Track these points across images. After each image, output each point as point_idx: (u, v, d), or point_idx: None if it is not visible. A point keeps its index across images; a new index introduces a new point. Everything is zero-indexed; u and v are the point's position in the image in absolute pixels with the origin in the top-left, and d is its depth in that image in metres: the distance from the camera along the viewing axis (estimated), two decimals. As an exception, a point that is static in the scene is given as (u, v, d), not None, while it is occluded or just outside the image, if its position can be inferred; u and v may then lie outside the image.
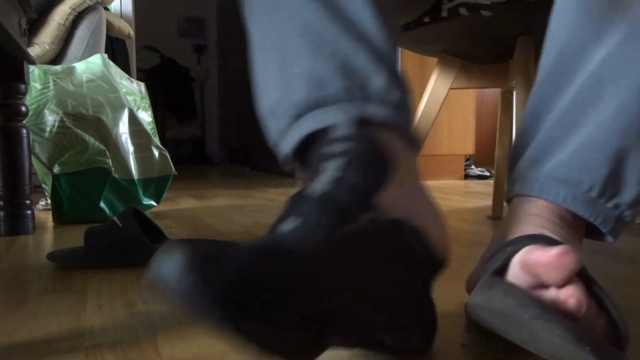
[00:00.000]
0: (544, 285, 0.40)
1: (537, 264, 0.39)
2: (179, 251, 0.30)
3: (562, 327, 0.36)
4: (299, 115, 0.47)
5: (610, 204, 0.51)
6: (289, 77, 0.48)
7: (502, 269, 0.44)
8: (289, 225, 0.37)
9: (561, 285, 0.39)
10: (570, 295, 0.38)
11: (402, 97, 0.48)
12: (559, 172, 0.51)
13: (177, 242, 0.31)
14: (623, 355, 0.40)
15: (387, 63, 0.48)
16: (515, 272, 0.42)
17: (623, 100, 0.50)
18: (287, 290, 0.32)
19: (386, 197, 0.42)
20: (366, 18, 0.48)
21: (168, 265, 0.30)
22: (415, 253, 0.42)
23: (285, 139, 0.48)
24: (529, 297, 0.38)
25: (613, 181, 0.51)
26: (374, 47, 0.48)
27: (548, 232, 0.49)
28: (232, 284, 0.30)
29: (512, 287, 0.40)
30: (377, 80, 0.47)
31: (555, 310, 0.38)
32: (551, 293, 0.40)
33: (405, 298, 0.42)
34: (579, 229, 0.52)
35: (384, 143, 0.44)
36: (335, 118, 0.45)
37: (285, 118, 0.48)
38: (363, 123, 0.45)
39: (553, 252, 0.38)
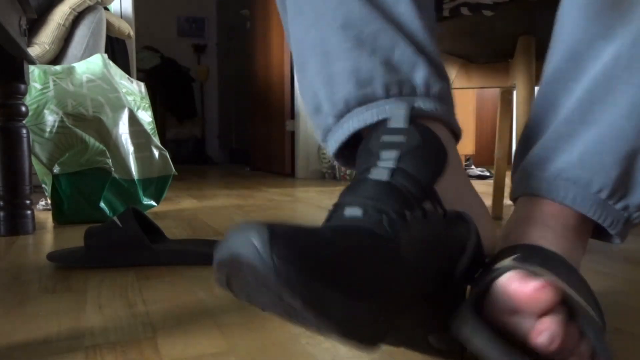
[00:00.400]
0: (523, 313, 0.40)
1: (515, 295, 0.39)
2: (257, 228, 0.30)
3: None
4: (345, 112, 0.48)
5: (619, 206, 0.50)
6: (332, 74, 0.48)
7: (486, 290, 0.44)
8: (355, 212, 0.38)
9: (540, 315, 0.38)
10: (544, 330, 0.37)
11: (444, 88, 0.49)
12: (568, 172, 0.50)
13: (250, 222, 0.31)
14: None
15: (428, 54, 0.48)
16: (496, 297, 0.41)
17: (635, 99, 0.48)
18: (372, 265, 0.33)
19: (441, 188, 0.44)
20: (404, 10, 0.48)
21: (246, 243, 0.30)
22: (468, 248, 0.43)
23: (332, 136, 0.49)
24: (493, 340, 0.38)
25: (623, 183, 0.49)
26: (414, 39, 0.48)
27: (548, 243, 0.48)
28: (315, 258, 0.30)
29: (479, 328, 0.39)
30: (420, 73, 0.47)
31: (521, 341, 0.38)
32: (528, 323, 0.39)
33: (457, 296, 0.43)
34: (584, 232, 0.52)
35: (436, 135, 0.45)
36: (381, 114, 0.46)
37: (331, 115, 0.49)
38: (411, 118, 0.45)
39: (530, 286, 0.38)
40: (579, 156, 0.50)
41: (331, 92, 0.48)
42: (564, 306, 0.40)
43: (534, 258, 0.45)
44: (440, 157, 0.44)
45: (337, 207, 0.40)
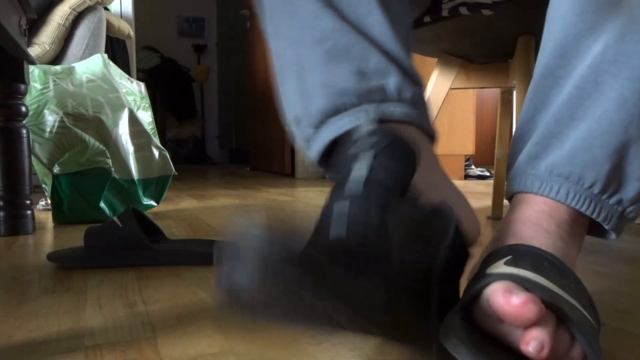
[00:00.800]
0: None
1: (499, 310, 0.39)
2: (256, 223, 0.34)
3: None
4: (320, 123, 0.50)
5: (612, 200, 0.50)
6: (308, 88, 0.50)
7: (475, 298, 0.44)
8: (343, 205, 0.40)
9: (527, 326, 0.39)
10: (531, 339, 0.38)
11: (416, 93, 0.51)
12: (559, 168, 0.50)
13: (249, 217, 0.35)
14: None
15: (400, 63, 0.50)
16: (485, 305, 0.42)
17: (623, 92, 0.49)
18: (366, 248, 0.37)
19: (418, 183, 0.45)
20: (375, 21, 0.50)
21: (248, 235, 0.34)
22: (451, 241, 0.44)
23: (310, 146, 0.52)
24: (477, 353, 0.39)
25: (615, 176, 0.50)
26: (386, 49, 0.50)
27: (542, 244, 0.48)
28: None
29: (463, 339, 0.40)
30: (392, 80, 0.49)
31: (511, 350, 0.39)
32: (517, 332, 0.39)
33: (443, 289, 0.43)
34: (578, 230, 0.52)
35: (406, 135, 0.47)
36: (355, 121, 0.47)
37: (308, 127, 0.51)
38: (382, 122, 0.48)
39: (513, 302, 0.38)
40: (570, 152, 0.50)
41: (308, 105, 0.50)
42: (553, 312, 0.40)
43: (526, 261, 0.45)
44: (411, 154, 0.46)
45: (324, 208, 0.42)
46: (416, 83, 0.51)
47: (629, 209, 0.51)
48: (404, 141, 0.45)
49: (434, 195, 0.46)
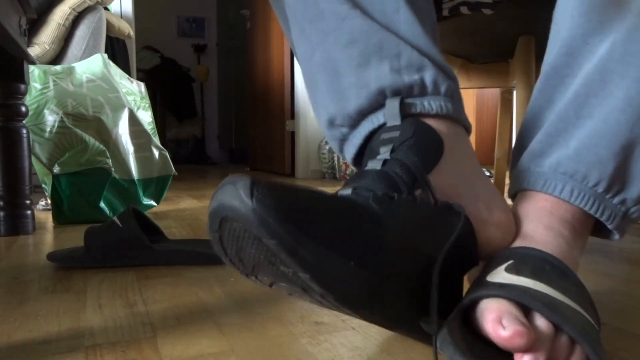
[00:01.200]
0: None
1: (490, 336, 0.39)
2: (242, 179, 0.35)
3: None
4: (358, 122, 0.50)
5: (616, 200, 0.50)
6: (342, 90, 0.50)
7: (472, 308, 0.43)
8: (346, 192, 0.42)
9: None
10: (525, 358, 0.38)
11: (452, 86, 0.50)
12: (564, 166, 0.50)
13: (236, 175, 0.35)
14: None
15: (432, 57, 0.50)
16: (479, 320, 0.41)
17: (629, 92, 0.49)
18: (346, 220, 0.37)
19: (440, 178, 0.45)
20: (403, 18, 0.50)
21: (232, 191, 0.34)
22: (455, 240, 0.44)
23: (349, 143, 0.52)
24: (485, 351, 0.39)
25: (619, 176, 0.50)
26: (417, 44, 0.49)
27: (546, 246, 0.48)
28: (290, 205, 0.35)
29: (460, 348, 0.39)
30: (428, 74, 0.49)
31: None
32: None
33: (445, 286, 0.43)
34: (582, 229, 0.52)
35: (436, 127, 0.47)
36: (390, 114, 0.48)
37: (344, 127, 0.51)
38: (422, 116, 0.48)
39: (502, 334, 0.37)
40: (575, 150, 0.50)
41: (343, 107, 0.50)
42: (551, 323, 0.40)
43: (526, 266, 0.45)
44: (434, 148, 0.46)
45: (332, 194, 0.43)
46: (450, 77, 0.51)
47: (632, 209, 0.51)
48: (428, 134, 0.46)
49: (464, 189, 0.47)
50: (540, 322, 0.40)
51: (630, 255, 0.91)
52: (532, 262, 0.45)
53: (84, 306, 0.63)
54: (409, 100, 0.48)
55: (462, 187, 0.48)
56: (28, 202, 1.16)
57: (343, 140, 0.53)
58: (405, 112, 0.48)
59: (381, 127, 0.49)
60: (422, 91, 0.48)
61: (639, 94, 0.49)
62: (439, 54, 0.51)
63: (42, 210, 1.50)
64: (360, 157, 0.52)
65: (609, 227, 0.51)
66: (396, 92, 0.48)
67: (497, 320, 0.38)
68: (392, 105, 0.47)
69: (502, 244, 0.50)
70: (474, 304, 0.42)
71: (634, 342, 0.51)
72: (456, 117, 0.50)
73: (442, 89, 0.49)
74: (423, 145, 0.45)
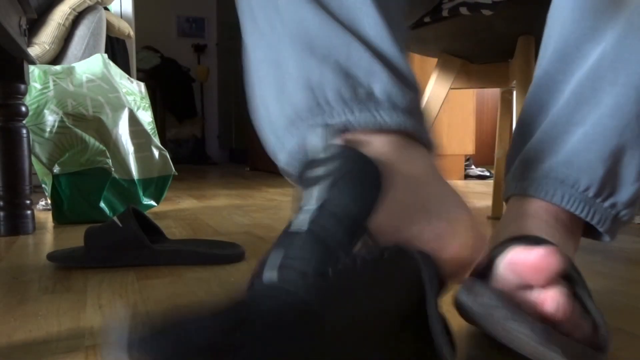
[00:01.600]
0: (529, 286, 0.40)
1: (521, 265, 0.39)
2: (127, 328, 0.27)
3: (528, 327, 0.36)
4: (294, 124, 0.43)
5: (607, 204, 0.51)
6: (283, 83, 0.45)
7: (487, 270, 0.43)
8: (272, 276, 0.33)
9: (544, 286, 0.39)
10: (548, 298, 0.38)
11: (409, 98, 0.43)
12: (555, 171, 0.51)
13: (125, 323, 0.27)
14: (599, 356, 0.38)
15: (391, 63, 0.44)
16: (500, 273, 0.41)
17: (619, 99, 0.49)
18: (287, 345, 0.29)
19: (385, 216, 0.38)
20: (366, 18, 0.44)
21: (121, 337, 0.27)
22: (420, 277, 0.37)
23: (282, 150, 0.45)
24: (501, 299, 0.38)
25: (609, 180, 0.50)
26: (376, 47, 0.44)
27: (542, 233, 0.48)
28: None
29: (485, 289, 0.39)
30: (379, 83, 0.42)
31: (528, 312, 0.38)
32: (534, 294, 0.39)
33: (407, 328, 0.38)
34: (575, 229, 0.52)
35: (379, 147, 0.41)
36: (333, 119, 0.41)
37: (281, 128, 0.45)
38: (376, 131, 0.41)
39: (536, 253, 0.38)
40: (565, 156, 0.51)
41: (282, 102, 0.45)
42: (567, 282, 0.41)
43: (528, 242, 0.45)
44: (372, 183, 0.37)
45: (261, 266, 0.35)
46: (409, 85, 0.44)
47: (622, 212, 0.52)
48: (368, 165, 0.38)
49: (417, 216, 0.40)
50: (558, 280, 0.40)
51: (630, 255, 0.91)
52: (534, 241, 0.46)
53: (84, 306, 0.63)
54: (345, 118, 0.41)
55: (416, 215, 0.40)
56: (28, 202, 1.16)
57: (277, 146, 0.46)
58: (336, 137, 0.40)
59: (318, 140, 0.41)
60: (369, 98, 0.41)
61: (629, 100, 0.49)
62: (401, 58, 0.45)
63: (42, 210, 1.50)
64: (294, 166, 0.45)
65: (600, 230, 0.52)
66: (338, 93, 0.42)
67: (527, 248, 0.38)
68: (315, 132, 0.39)
69: (473, 249, 0.43)
70: (489, 268, 0.41)
71: (634, 342, 0.51)
72: (410, 131, 0.42)
73: (397, 100, 0.42)
74: (358, 182, 0.37)
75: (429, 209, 0.41)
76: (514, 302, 0.38)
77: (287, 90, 0.44)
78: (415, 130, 0.43)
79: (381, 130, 0.41)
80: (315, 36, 0.44)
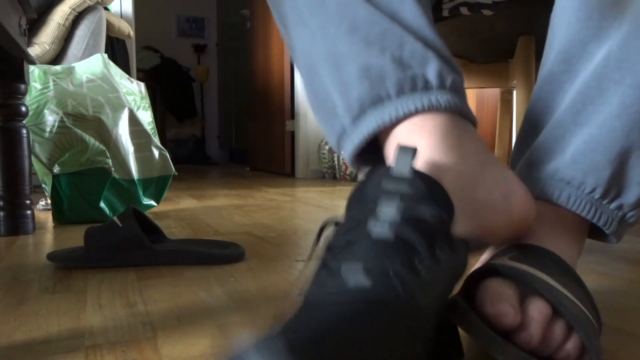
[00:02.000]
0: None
1: (485, 312, 0.41)
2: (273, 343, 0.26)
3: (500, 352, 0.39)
4: (360, 114, 0.47)
5: (613, 205, 0.51)
6: (344, 77, 0.47)
7: (480, 279, 0.45)
8: (361, 280, 0.34)
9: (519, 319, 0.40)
10: (523, 330, 0.40)
11: (457, 80, 0.48)
12: (561, 172, 0.51)
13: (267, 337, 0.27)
14: None
15: (437, 49, 0.48)
16: (480, 299, 0.43)
17: (625, 99, 0.49)
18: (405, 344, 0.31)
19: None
20: (408, 8, 0.48)
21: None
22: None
23: (348, 139, 0.48)
24: (479, 328, 0.40)
25: (616, 182, 0.50)
26: (421, 35, 0.47)
27: (546, 239, 0.49)
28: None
29: (468, 313, 0.41)
30: (432, 67, 0.46)
31: (503, 337, 0.40)
32: (509, 323, 0.41)
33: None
34: (580, 231, 0.52)
35: (441, 123, 0.45)
36: (396, 112, 0.45)
37: (346, 118, 0.48)
38: (429, 110, 0.45)
39: (489, 313, 0.40)
40: (571, 157, 0.50)
41: (345, 95, 0.48)
42: (550, 304, 0.41)
43: (529, 257, 0.46)
44: (447, 204, 0.39)
45: (333, 269, 0.35)
46: (455, 70, 0.49)
47: (629, 214, 0.51)
48: (439, 193, 0.39)
49: (471, 189, 0.45)
50: (538, 304, 0.41)
51: (630, 255, 0.91)
52: (534, 255, 0.46)
53: (84, 306, 0.63)
54: (417, 95, 0.45)
55: (469, 188, 0.45)
56: (28, 202, 1.16)
57: (342, 135, 0.49)
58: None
59: (390, 127, 0.45)
60: (426, 85, 0.46)
61: (635, 101, 0.49)
62: (443, 46, 0.49)
63: (42, 210, 1.50)
64: (360, 156, 0.50)
65: (606, 232, 0.51)
66: (400, 84, 0.46)
67: (487, 299, 0.41)
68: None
69: (521, 217, 0.48)
70: (476, 285, 0.43)
71: (634, 342, 0.51)
72: (463, 111, 0.47)
73: (448, 82, 0.47)
74: (436, 203, 0.39)
75: (486, 186, 0.46)
76: (493, 330, 0.40)
77: (349, 83, 0.47)
78: (463, 107, 0.47)
79: (435, 110, 0.45)
80: (369, 31, 0.46)
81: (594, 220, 0.51)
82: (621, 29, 0.49)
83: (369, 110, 0.46)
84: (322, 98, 0.51)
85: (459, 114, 0.47)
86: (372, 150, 0.49)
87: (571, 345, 0.40)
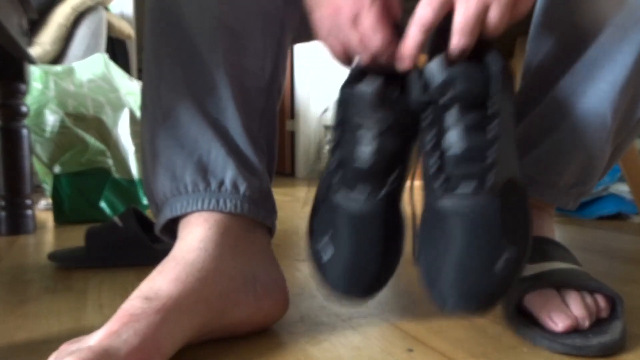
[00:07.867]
0: None
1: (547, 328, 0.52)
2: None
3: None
4: (161, 202, 0.55)
5: (577, 192, 0.60)
6: (155, 166, 0.55)
7: (521, 298, 0.54)
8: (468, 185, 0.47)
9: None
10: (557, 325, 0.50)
11: (254, 186, 0.54)
12: (529, 170, 0.57)
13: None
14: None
15: (241, 158, 0.55)
16: (533, 309, 0.53)
17: (586, 108, 0.56)
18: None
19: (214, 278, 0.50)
20: (228, 116, 0.55)
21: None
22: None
23: (159, 218, 0.56)
24: (556, 343, 0.50)
25: (579, 177, 0.59)
26: (231, 143, 0.55)
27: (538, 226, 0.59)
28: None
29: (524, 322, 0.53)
30: (229, 175, 0.53)
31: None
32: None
33: None
34: (548, 209, 0.62)
35: (229, 225, 0.53)
36: (187, 207, 0.53)
37: (152, 203, 0.58)
38: (213, 209, 0.52)
39: (558, 330, 0.50)
40: (538, 157, 0.58)
41: (154, 182, 0.56)
42: (575, 290, 0.52)
43: (536, 255, 0.54)
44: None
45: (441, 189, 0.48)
46: (256, 176, 0.55)
47: (588, 193, 0.61)
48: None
49: (244, 281, 0.51)
50: (573, 295, 0.51)
51: (630, 255, 0.91)
52: (538, 244, 0.56)
53: (84, 306, 0.63)
54: (200, 205, 0.52)
55: (241, 279, 0.51)
56: (29, 202, 1.16)
57: (156, 213, 0.57)
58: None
59: (178, 218, 0.54)
60: (219, 188, 0.53)
61: (589, 123, 0.56)
62: (251, 151, 0.55)
63: (42, 210, 1.50)
64: (168, 231, 0.56)
65: (568, 209, 0.62)
66: (194, 185, 0.53)
67: (548, 316, 0.50)
68: (202, 198, 0.53)
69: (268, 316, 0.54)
70: (521, 298, 0.53)
71: (634, 342, 0.51)
72: (251, 217, 0.54)
73: (242, 189, 0.53)
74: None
75: (254, 279, 0.52)
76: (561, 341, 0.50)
77: (156, 172, 0.55)
78: (255, 214, 0.54)
79: (220, 211, 0.52)
80: (185, 133, 0.54)
81: (562, 206, 0.60)
82: (586, 49, 0.55)
83: (166, 202, 0.54)
84: (145, 175, 0.59)
85: (251, 219, 0.54)
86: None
87: (601, 302, 0.52)
